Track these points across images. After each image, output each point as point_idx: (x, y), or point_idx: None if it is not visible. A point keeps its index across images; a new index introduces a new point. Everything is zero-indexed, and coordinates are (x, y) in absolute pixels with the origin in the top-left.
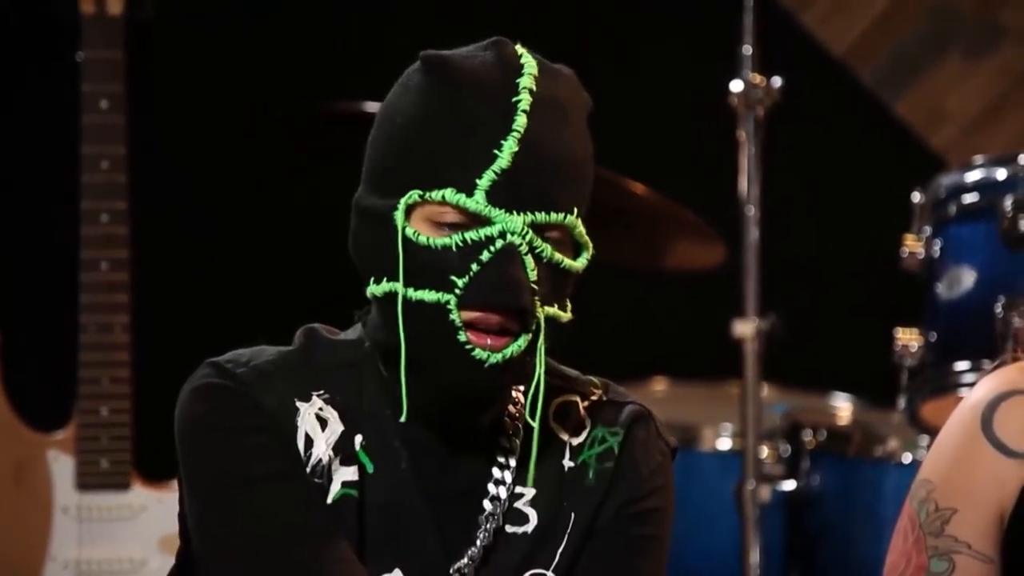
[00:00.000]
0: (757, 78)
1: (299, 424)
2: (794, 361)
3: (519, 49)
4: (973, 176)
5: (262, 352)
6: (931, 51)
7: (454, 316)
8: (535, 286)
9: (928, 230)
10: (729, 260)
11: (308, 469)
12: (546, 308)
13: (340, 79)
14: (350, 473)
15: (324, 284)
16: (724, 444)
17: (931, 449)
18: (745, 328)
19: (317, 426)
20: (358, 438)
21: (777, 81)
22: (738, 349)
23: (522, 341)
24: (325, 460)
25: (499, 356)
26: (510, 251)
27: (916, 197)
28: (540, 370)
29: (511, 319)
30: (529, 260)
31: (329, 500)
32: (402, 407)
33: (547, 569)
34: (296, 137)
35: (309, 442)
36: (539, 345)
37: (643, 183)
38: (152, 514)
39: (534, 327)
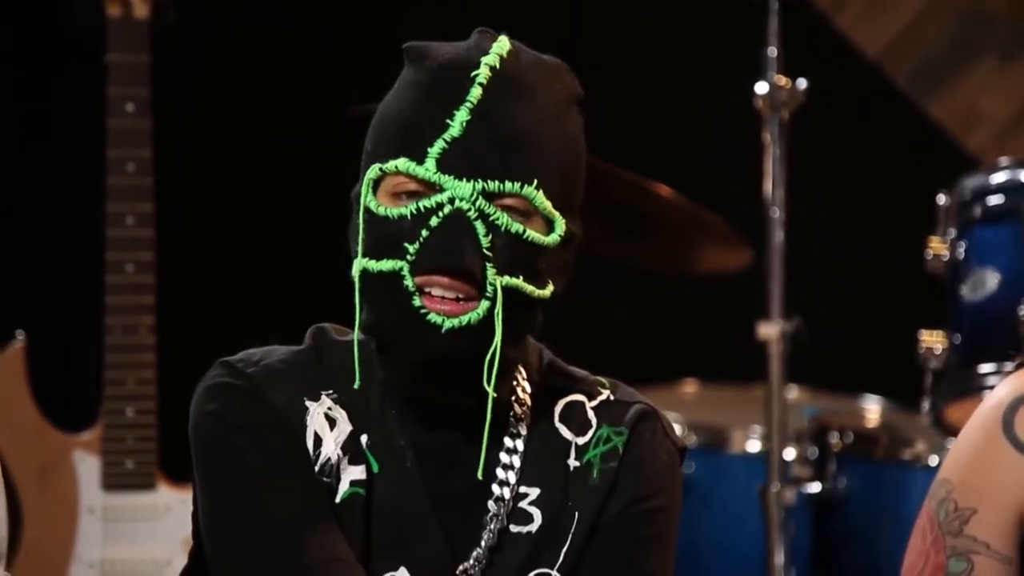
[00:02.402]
0: (782, 80)
1: (308, 423)
2: (825, 364)
3: (501, 37)
4: (998, 178)
5: (273, 351)
6: (965, 54)
7: (408, 282)
8: (488, 252)
9: (953, 232)
10: (755, 263)
11: (317, 468)
12: (506, 277)
13: (365, 82)
14: (358, 472)
15: (349, 286)
16: (753, 446)
17: (951, 449)
18: (770, 330)
19: (326, 425)
20: (363, 437)
21: (802, 83)
22: (763, 351)
23: (481, 309)
24: (334, 459)
25: (455, 321)
26: (457, 216)
27: (941, 199)
28: (497, 338)
29: (463, 283)
30: (480, 226)
31: (338, 499)
32: (355, 374)
33: (551, 568)
34: (321, 140)
35: (318, 441)
36: (496, 312)
37: (671, 187)
38: (177, 514)
39: (492, 295)
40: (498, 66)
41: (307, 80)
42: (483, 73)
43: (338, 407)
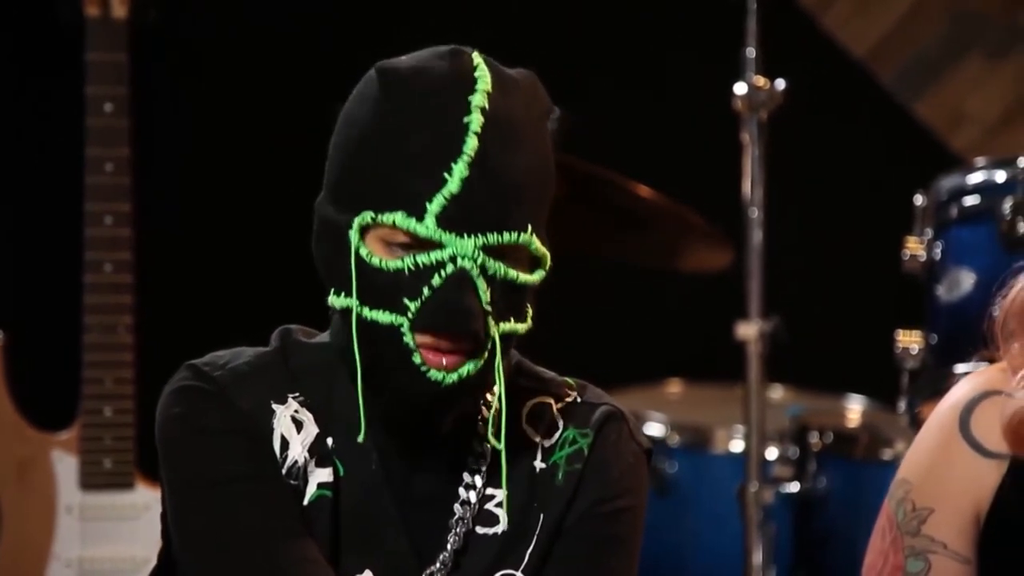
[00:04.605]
0: (760, 81)
1: (275, 426)
2: (811, 364)
3: (475, 59)
4: (974, 178)
5: (240, 354)
6: (952, 53)
7: (408, 339)
8: (488, 307)
9: (930, 232)
10: (737, 262)
11: (284, 471)
12: (502, 325)
13: (346, 82)
14: (325, 475)
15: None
16: (737, 446)
17: (910, 449)
18: (748, 330)
19: (293, 428)
20: (329, 440)
21: (781, 84)
22: (742, 351)
23: (478, 360)
24: (301, 462)
25: (455, 376)
26: (461, 276)
27: (918, 200)
28: (500, 389)
29: (468, 343)
30: (481, 283)
31: (305, 502)
32: (360, 426)
33: (516, 570)
34: (304, 138)
35: (285, 444)
36: (497, 364)
37: (652, 187)
38: (155, 513)
39: (490, 346)
40: (487, 106)
41: (292, 77)
42: (476, 120)
43: (304, 409)
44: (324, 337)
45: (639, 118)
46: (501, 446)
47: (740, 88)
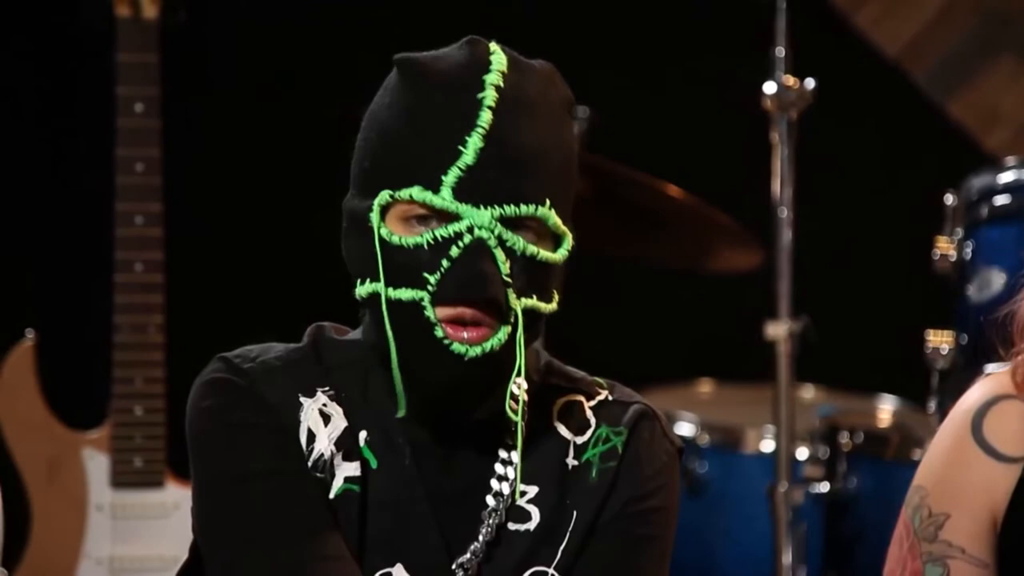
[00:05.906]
0: (790, 80)
1: (301, 419)
2: (841, 364)
3: (492, 47)
4: (1004, 178)
5: (270, 348)
6: (985, 53)
7: (429, 313)
8: (508, 279)
9: (960, 232)
10: (765, 262)
11: (310, 464)
12: (523, 300)
13: (376, 82)
14: (352, 468)
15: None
16: (767, 446)
17: (925, 455)
18: (778, 330)
19: (320, 421)
20: (363, 434)
21: (810, 83)
22: (771, 351)
23: (501, 334)
24: (327, 455)
25: (478, 349)
26: (478, 245)
27: (949, 199)
28: (520, 361)
29: (485, 312)
30: (500, 253)
31: (332, 495)
32: (400, 403)
33: (549, 566)
34: (329, 139)
35: (311, 437)
36: (518, 337)
37: (682, 187)
38: (185, 512)
39: (512, 320)
40: (502, 84)
41: (318, 78)
42: (490, 95)
43: (334, 404)
44: (356, 334)
45: (668, 118)
46: (518, 418)
47: (770, 87)
